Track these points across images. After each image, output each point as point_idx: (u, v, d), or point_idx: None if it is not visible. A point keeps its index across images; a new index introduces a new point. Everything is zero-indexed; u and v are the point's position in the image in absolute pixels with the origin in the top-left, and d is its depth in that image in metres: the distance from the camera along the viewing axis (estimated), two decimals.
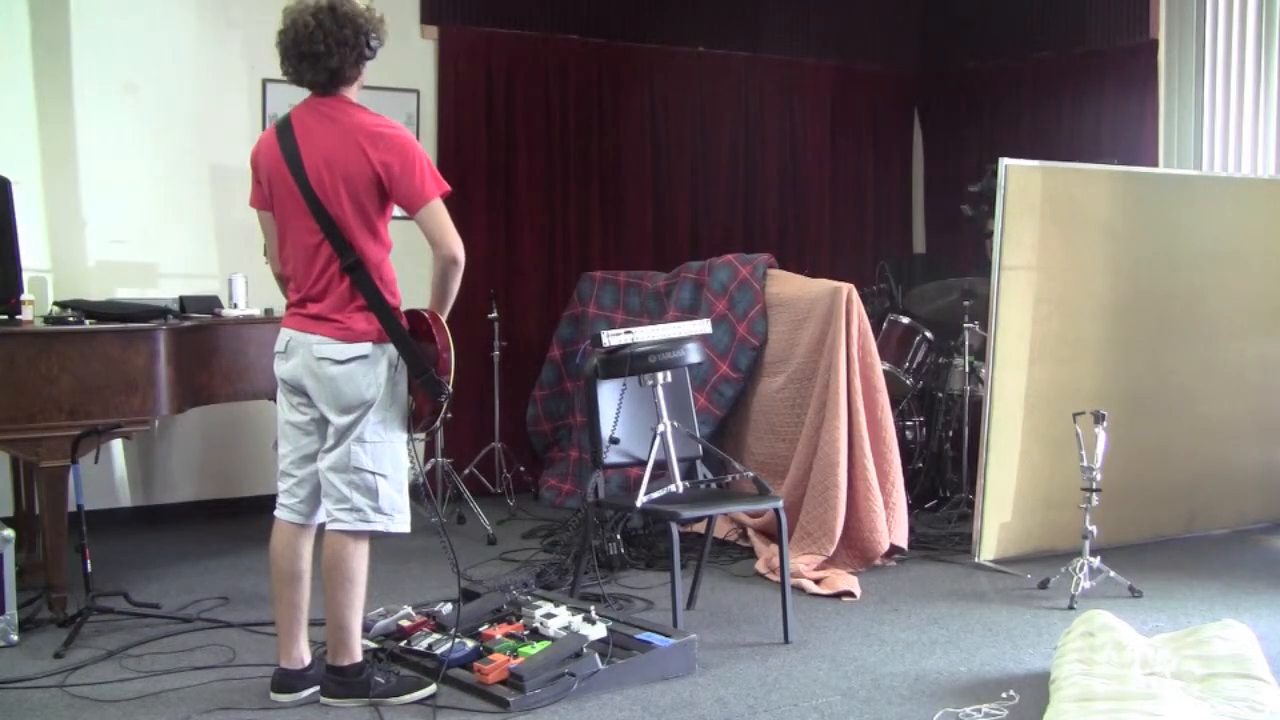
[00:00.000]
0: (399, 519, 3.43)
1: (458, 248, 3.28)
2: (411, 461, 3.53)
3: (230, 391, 4.90)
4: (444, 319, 3.37)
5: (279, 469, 3.52)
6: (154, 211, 5.90)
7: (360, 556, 3.41)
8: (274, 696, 3.50)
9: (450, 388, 3.35)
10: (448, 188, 3.33)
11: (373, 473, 3.35)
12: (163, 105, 5.90)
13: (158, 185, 5.90)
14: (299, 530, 3.51)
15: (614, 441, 4.18)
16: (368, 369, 3.32)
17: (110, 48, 5.77)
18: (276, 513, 3.53)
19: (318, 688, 3.50)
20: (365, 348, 3.31)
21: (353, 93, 3.40)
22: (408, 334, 3.34)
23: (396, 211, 3.40)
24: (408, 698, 3.46)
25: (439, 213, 3.28)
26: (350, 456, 3.35)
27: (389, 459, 3.38)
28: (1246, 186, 5.89)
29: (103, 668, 3.80)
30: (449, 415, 3.70)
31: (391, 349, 3.34)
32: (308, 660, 3.53)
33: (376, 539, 3.45)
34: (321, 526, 3.47)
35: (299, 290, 3.41)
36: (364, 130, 3.29)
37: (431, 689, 3.49)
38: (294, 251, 3.40)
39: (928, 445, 6.35)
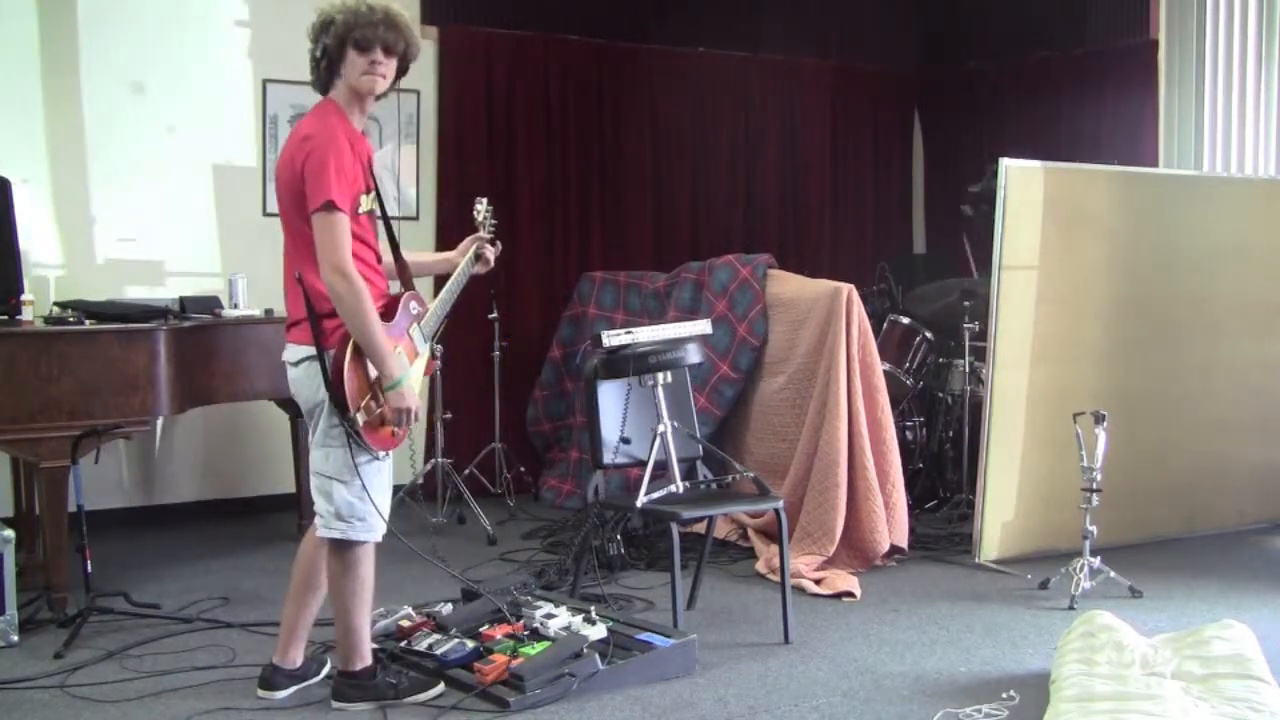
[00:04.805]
0: (360, 527, 3.29)
1: (338, 259, 3.11)
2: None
3: (230, 391, 4.91)
4: (354, 347, 3.17)
5: None
6: (161, 210, 5.92)
7: (334, 564, 3.33)
8: (260, 693, 3.51)
9: (359, 416, 3.18)
10: (333, 196, 3.10)
11: (329, 477, 3.28)
12: (169, 105, 5.91)
13: (164, 184, 5.92)
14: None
15: (625, 441, 4.19)
16: (316, 371, 3.24)
17: (117, 48, 5.78)
18: None
19: (300, 687, 3.52)
20: (312, 349, 3.23)
21: (340, 94, 3.28)
22: (321, 348, 3.20)
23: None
24: (419, 697, 3.46)
25: (323, 222, 3.12)
26: (313, 461, 3.33)
27: (347, 464, 3.25)
28: (1246, 186, 5.89)
29: (103, 668, 3.80)
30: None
31: (334, 354, 3.23)
32: (299, 662, 3.55)
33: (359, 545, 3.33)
34: None
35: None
36: (300, 132, 3.22)
37: (440, 688, 3.50)
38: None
39: (928, 445, 6.35)
